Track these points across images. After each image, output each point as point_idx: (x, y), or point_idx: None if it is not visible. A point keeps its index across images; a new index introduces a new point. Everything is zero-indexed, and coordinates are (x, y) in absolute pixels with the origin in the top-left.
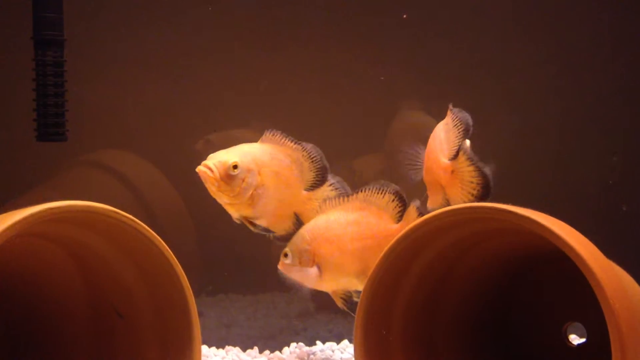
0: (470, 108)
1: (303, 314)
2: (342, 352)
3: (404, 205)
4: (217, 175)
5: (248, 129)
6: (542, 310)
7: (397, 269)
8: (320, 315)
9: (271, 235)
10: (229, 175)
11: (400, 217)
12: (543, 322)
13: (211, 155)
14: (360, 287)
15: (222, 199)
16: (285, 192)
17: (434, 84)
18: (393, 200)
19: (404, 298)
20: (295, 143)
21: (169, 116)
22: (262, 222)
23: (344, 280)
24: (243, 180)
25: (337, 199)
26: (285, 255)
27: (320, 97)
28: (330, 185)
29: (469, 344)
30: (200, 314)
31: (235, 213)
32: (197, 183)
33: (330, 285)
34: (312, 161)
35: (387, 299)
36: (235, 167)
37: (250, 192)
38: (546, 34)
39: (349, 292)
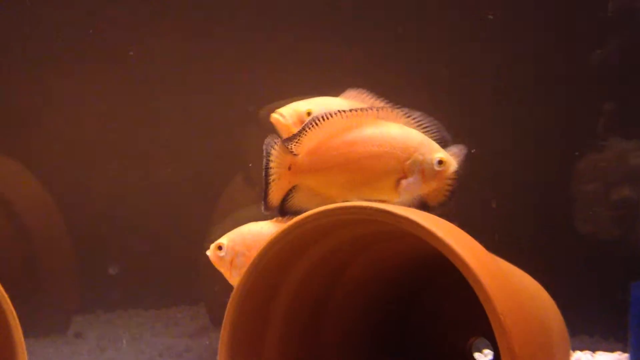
0: None
1: (198, 332)
2: None
3: None
4: (290, 121)
5: None
6: (446, 324)
7: (270, 277)
8: (215, 334)
9: None
10: (302, 122)
11: None
12: (447, 336)
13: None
14: None
15: None
16: None
17: None
18: None
19: (281, 311)
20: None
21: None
22: None
23: None
24: None
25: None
26: (220, 248)
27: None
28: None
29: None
30: (78, 335)
31: None
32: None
33: None
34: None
35: (258, 314)
36: (308, 114)
37: None
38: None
39: None
